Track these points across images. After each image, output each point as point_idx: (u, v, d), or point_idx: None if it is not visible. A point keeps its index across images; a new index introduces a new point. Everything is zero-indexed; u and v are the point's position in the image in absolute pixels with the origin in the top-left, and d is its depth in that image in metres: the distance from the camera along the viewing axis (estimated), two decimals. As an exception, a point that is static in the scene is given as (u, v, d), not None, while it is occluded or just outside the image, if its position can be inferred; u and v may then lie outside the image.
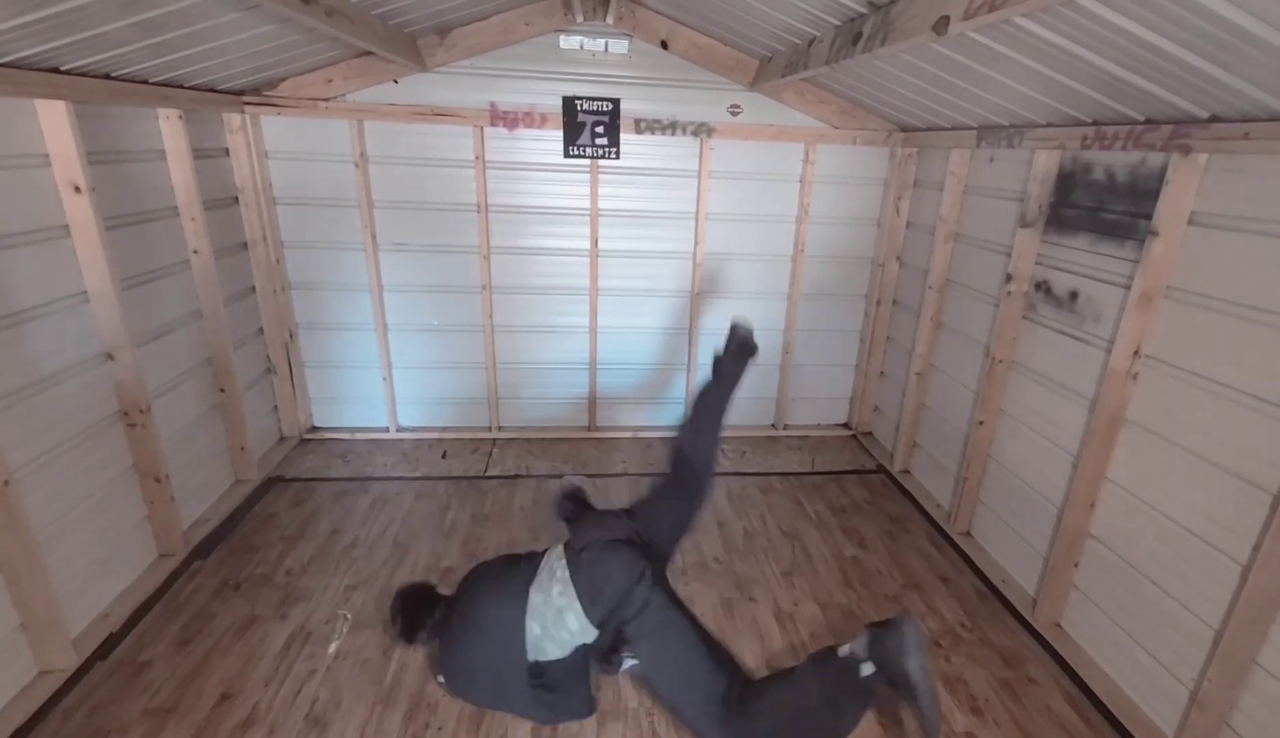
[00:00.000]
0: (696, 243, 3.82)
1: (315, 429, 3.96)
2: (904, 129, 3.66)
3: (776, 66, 3.11)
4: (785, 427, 4.30)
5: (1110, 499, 2.28)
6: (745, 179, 3.76)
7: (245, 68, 2.84)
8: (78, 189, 2.17)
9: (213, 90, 2.98)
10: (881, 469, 3.87)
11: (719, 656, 2.02)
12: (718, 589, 2.74)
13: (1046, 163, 2.56)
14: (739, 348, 2.46)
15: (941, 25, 1.63)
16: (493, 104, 3.44)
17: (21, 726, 1.95)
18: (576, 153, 3.57)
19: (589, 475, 3.65)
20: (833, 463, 3.94)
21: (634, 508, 2.38)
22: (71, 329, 2.24)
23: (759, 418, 4.30)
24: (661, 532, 2.30)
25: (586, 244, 3.77)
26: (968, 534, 3.11)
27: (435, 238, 3.67)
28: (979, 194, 3.11)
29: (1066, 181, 2.53)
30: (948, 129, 3.21)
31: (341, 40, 2.61)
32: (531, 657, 2.06)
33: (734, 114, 3.62)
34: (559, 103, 3.47)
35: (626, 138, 3.58)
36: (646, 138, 3.60)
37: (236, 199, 3.33)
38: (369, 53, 3.14)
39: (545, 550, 2.25)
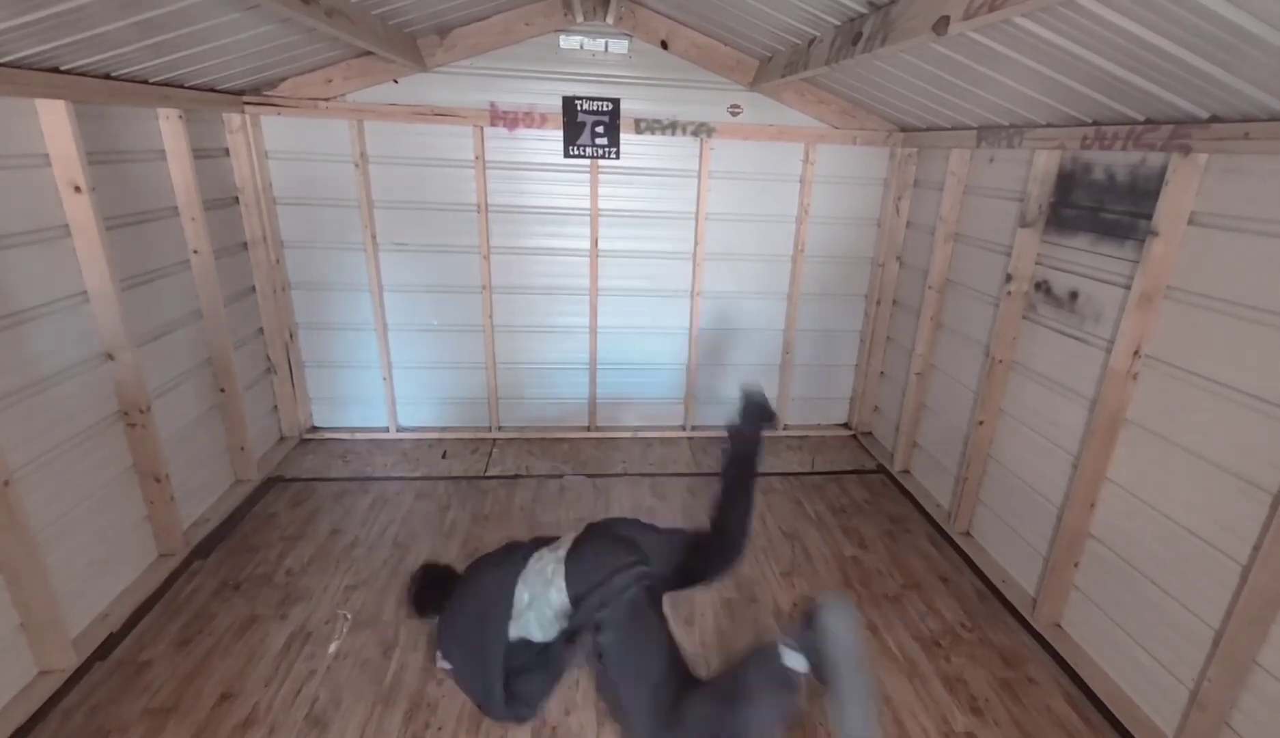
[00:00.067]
0: (696, 243, 3.82)
1: (315, 429, 3.96)
2: (904, 129, 3.66)
3: (776, 66, 3.11)
4: (785, 427, 4.30)
5: (1110, 499, 2.28)
6: (745, 179, 3.76)
7: (245, 68, 2.84)
8: (78, 189, 2.17)
9: (213, 90, 2.98)
10: (881, 469, 3.87)
11: (678, 668, 1.98)
12: (718, 589, 2.74)
13: (1046, 163, 2.56)
14: (754, 414, 2.34)
15: (941, 25, 1.63)
16: (493, 104, 3.44)
17: (21, 726, 1.95)
18: (576, 153, 3.57)
19: (589, 476, 3.65)
20: (833, 463, 3.94)
21: (652, 543, 2.27)
22: (71, 329, 2.24)
23: (759, 418, 4.29)
24: (667, 569, 2.22)
25: (586, 244, 3.77)
26: (968, 534, 3.11)
27: (435, 238, 3.67)
28: (979, 194, 3.11)
29: (1066, 182, 2.53)
30: (948, 129, 3.21)
31: (341, 40, 2.61)
32: (515, 633, 2.06)
33: (734, 114, 3.62)
34: (559, 103, 3.48)
35: (626, 138, 3.58)
36: (646, 138, 3.60)
37: (236, 199, 3.33)
38: (369, 53, 3.14)
39: (561, 537, 2.30)
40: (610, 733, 2.08)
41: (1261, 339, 1.77)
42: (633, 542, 2.17)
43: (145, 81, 2.49)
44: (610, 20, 3.31)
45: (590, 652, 2.06)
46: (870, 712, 1.77)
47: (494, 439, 4.03)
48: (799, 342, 4.12)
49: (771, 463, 3.89)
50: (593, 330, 3.95)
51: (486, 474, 3.63)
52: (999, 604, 2.72)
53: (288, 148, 3.41)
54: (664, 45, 3.44)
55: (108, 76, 2.30)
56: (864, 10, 2.13)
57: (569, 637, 2.06)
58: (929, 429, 3.54)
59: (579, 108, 3.49)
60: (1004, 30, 1.80)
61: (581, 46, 3.41)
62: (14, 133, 2.02)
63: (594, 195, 3.68)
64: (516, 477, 3.62)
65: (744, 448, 2.33)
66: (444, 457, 3.80)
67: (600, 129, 3.53)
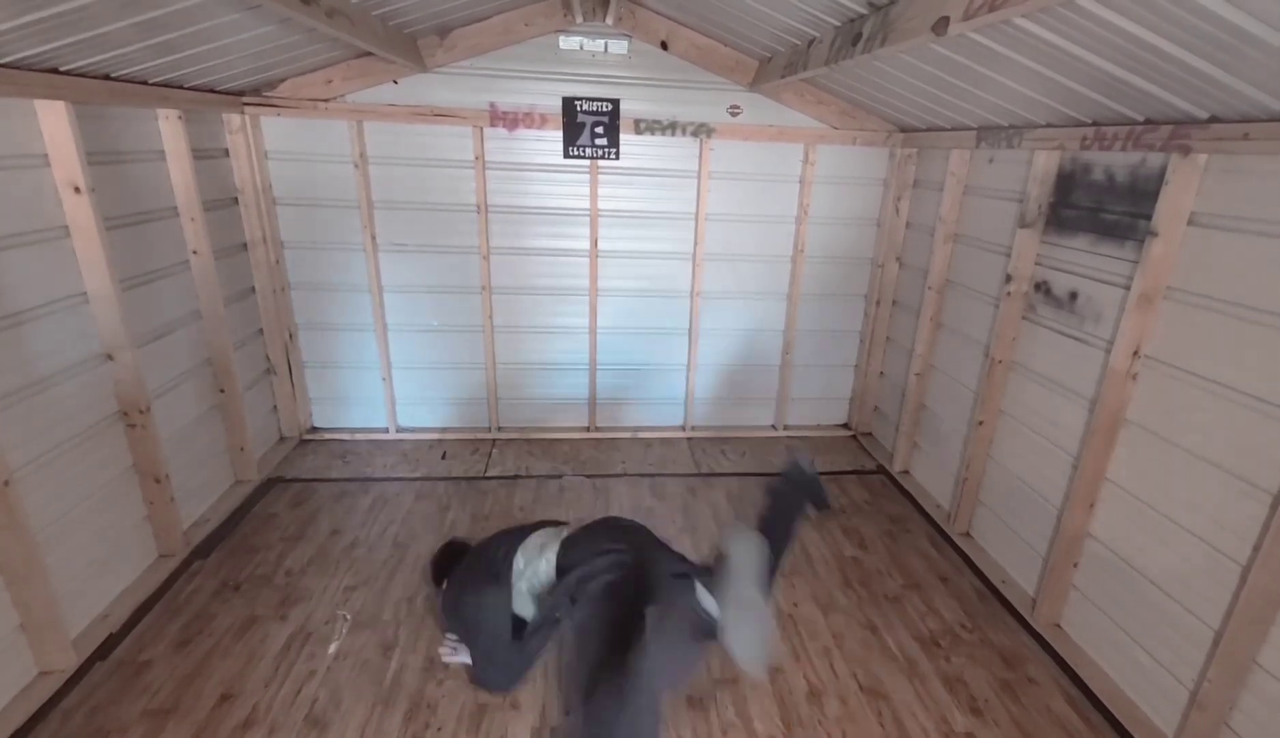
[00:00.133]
0: (696, 243, 3.82)
1: (315, 430, 3.95)
2: (904, 129, 3.66)
3: (776, 67, 3.11)
4: (785, 427, 4.30)
5: (1110, 499, 2.28)
6: (745, 179, 3.76)
7: (245, 68, 2.84)
8: (77, 189, 2.17)
9: (212, 91, 2.98)
10: (881, 470, 3.87)
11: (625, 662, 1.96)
12: (718, 590, 2.74)
13: (1046, 163, 2.56)
14: (803, 488, 2.26)
15: (941, 26, 1.63)
16: (493, 104, 3.44)
17: (21, 726, 1.94)
18: (576, 153, 3.57)
19: (589, 476, 3.65)
20: (833, 463, 3.94)
21: (649, 547, 2.23)
22: (71, 329, 2.24)
23: (759, 418, 4.30)
24: (655, 577, 2.21)
25: (586, 244, 3.77)
26: (967, 535, 3.11)
27: (435, 238, 3.67)
28: (979, 194, 3.11)
29: (1066, 182, 2.53)
30: (947, 129, 3.21)
31: (341, 41, 2.61)
32: (524, 607, 2.13)
33: (734, 114, 3.62)
34: (559, 103, 3.48)
35: (626, 138, 3.58)
36: (646, 138, 3.60)
37: (236, 199, 3.33)
38: (369, 53, 3.14)
39: (569, 523, 2.38)
40: (610, 733, 2.08)
41: (1261, 339, 1.77)
42: (630, 535, 2.19)
43: (145, 82, 2.49)
44: (610, 21, 3.31)
45: (562, 619, 2.08)
46: (763, 638, 1.80)
47: (494, 440, 4.03)
48: (799, 342, 4.12)
49: (771, 463, 3.89)
50: (592, 331, 3.95)
51: (486, 475, 3.63)
52: (999, 604, 2.72)
53: (287, 148, 3.41)
54: (664, 46, 3.44)
55: (107, 77, 2.30)
56: (864, 11, 2.13)
57: (548, 611, 2.10)
58: (929, 429, 3.54)
59: (579, 108, 3.49)
60: (1004, 31, 1.81)
61: (581, 47, 3.41)
62: (14, 133, 2.02)
63: (594, 196, 3.68)
64: (516, 477, 3.62)
65: (785, 508, 2.28)
66: (444, 457, 3.80)
67: (600, 129, 3.54)
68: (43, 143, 2.10)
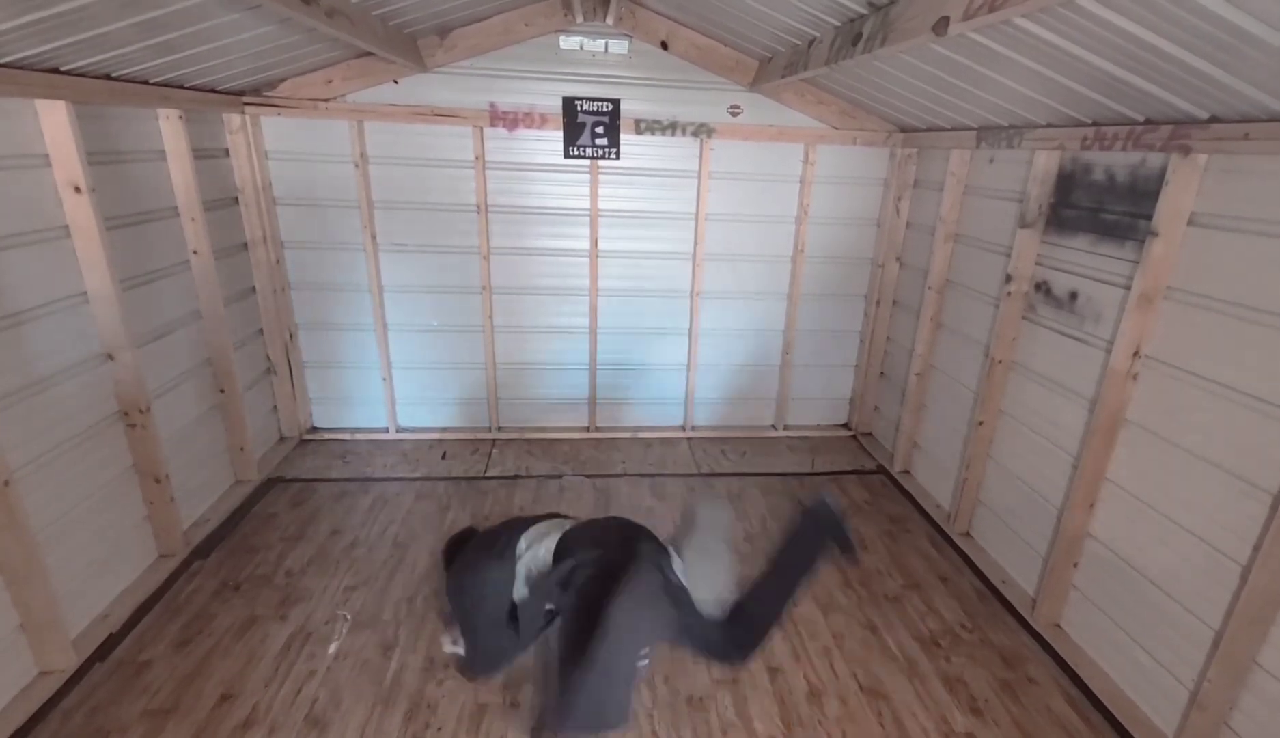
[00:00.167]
0: (696, 243, 3.82)
1: (315, 430, 3.95)
2: (904, 129, 3.66)
3: (776, 67, 3.11)
4: (785, 427, 4.30)
5: (1110, 499, 2.28)
6: (745, 179, 3.76)
7: (245, 68, 2.85)
8: (78, 189, 2.17)
9: (213, 91, 2.98)
10: (881, 470, 3.87)
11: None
12: (718, 590, 2.74)
13: (1046, 163, 2.56)
14: (825, 525, 2.21)
15: (941, 26, 1.63)
16: (493, 104, 3.44)
17: (21, 726, 1.94)
18: (576, 153, 3.57)
19: (589, 476, 3.65)
20: (833, 463, 3.94)
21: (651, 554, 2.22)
22: (71, 329, 2.24)
23: (759, 418, 4.30)
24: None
25: (586, 244, 3.77)
26: (967, 535, 3.11)
27: (435, 238, 3.67)
28: (979, 194, 3.11)
29: (1066, 182, 2.53)
30: (948, 129, 3.21)
31: (342, 41, 2.61)
32: (519, 592, 2.10)
33: (734, 114, 3.62)
34: (559, 103, 3.48)
35: (626, 138, 3.58)
36: (646, 138, 3.60)
37: (236, 199, 3.33)
38: (369, 53, 3.14)
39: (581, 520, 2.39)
40: (610, 734, 2.07)
41: (1261, 339, 1.77)
42: (628, 531, 2.19)
43: (145, 82, 2.49)
44: (610, 21, 3.31)
45: (553, 607, 2.09)
46: (720, 580, 1.89)
47: (494, 440, 4.03)
48: (799, 342, 4.12)
49: (771, 463, 3.89)
50: (593, 331, 3.95)
51: (486, 475, 3.63)
52: (999, 604, 2.72)
53: (288, 148, 3.41)
54: (664, 46, 3.44)
55: (108, 77, 2.30)
56: (864, 11, 2.13)
57: (540, 595, 2.11)
58: (929, 429, 3.54)
59: (579, 108, 3.49)
60: (1004, 31, 1.81)
61: (581, 47, 3.41)
62: (14, 133, 2.02)
63: (594, 196, 3.68)
64: (516, 477, 3.62)
65: (804, 543, 2.23)
66: (444, 457, 3.80)
67: (600, 129, 3.54)
68: (43, 143, 2.10)
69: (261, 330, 3.60)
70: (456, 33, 3.28)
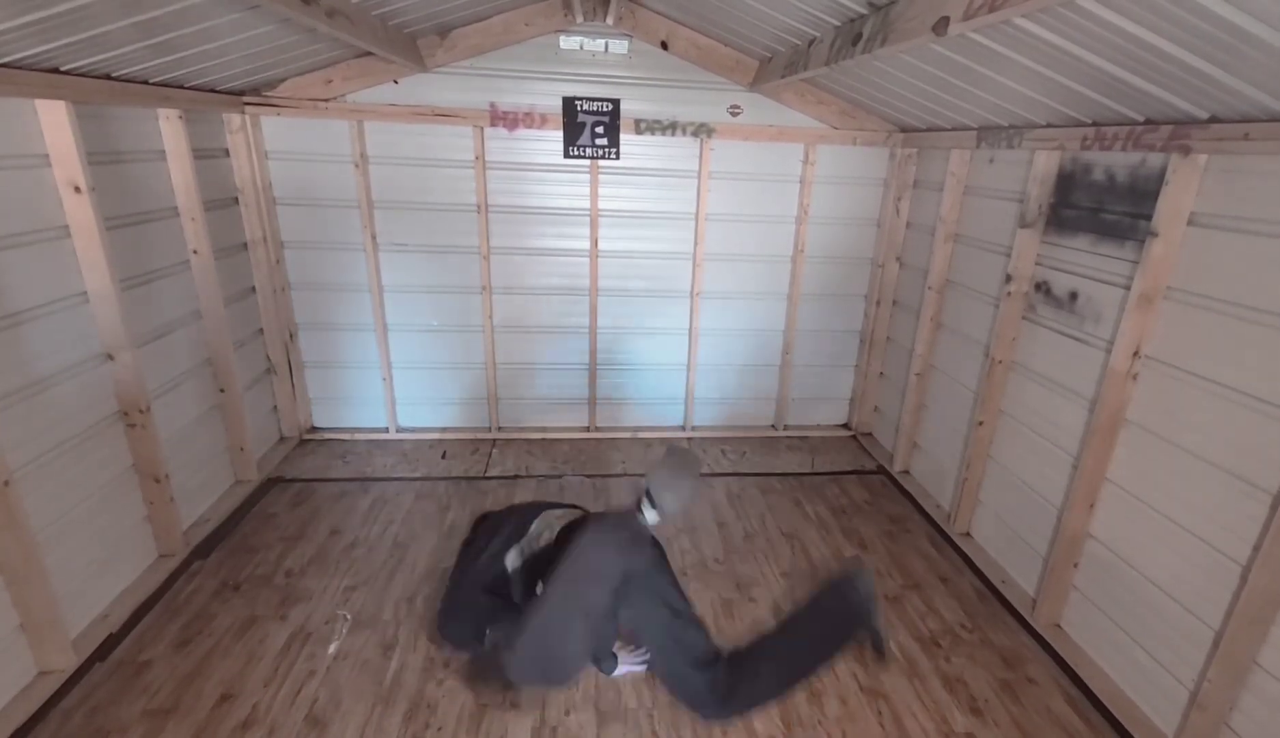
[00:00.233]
0: (696, 243, 3.82)
1: (315, 430, 3.95)
2: (904, 129, 3.66)
3: (776, 67, 3.11)
4: (785, 427, 4.30)
5: (1110, 499, 2.28)
6: (745, 179, 3.76)
7: (245, 68, 2.84)
8: (78, 189, 2.17)
9: (213, 91, 2.98)
10: (881, 470, 3.87)
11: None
12: (717, 590, 2.74)
13: (1046, 163, 2.56)
14: (853, 608, 2.08)
15: (941, 26, 1.63)
16: (493, 104, 3.44)
17: (21, 726, 1.94)
18: (576, 153, 3.57)
19: (588, 476, 3.65)
20: (833, 463, 3.94)
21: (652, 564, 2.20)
22: (71, 329, 2.24)
23: (759, 418, 4.30)
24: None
25: (586, 244, 3.77)
26: (967, 535, 3.11)
27: (435, 238, 3.67)
28: (979, 194, 3.11)
29: (1066, 182, 2.53)
30: (948, 129, 3.21)
31: (342, 41, 2.61)
32: (512, 563, 2.21)
33: (734, 114, 3.62)
34: (559, 103, 3.48)
35: (626, 138, 3.58)
36: (646, 138, 3.60)
37: (236, 199, 3.33)
38: (369, 53, 3.14)
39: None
40: (610, 733, 2.08)
41: (1261, 339, 1.77)
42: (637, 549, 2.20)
43: (145, 82, 2.49)
44: (610, 21, 3.31)
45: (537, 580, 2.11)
46: (683, 505, 2.08)
47: (494, 439, 4.03)
48: (799, 342, 4.12)
49: (771, 463, 3.89)
50: (593, 330, 3.95)
51: (486, 475, 3.63)
52: (999, 605, 2.72)
53: (288, 148, 3.41)
54: (664, 46, 3.44)
55: (108, 77, 2.30)
56: (864, 11, 2.13)
57: (528, 568, 2.18)
58: (929, 429, 3.54)
59: (579, 108, 3.49)
60: (1004, 31, 1.81)
61: (581, 47, 3.41)
62: (14, 133, 2.02)
63: (594, 196, 3.68)
64: (516, 477, 3.62)
65: (827, 623, 2.12)
66: (444, 457, 3.80)
67: (600, 129, 3.54)
68: (43, 143, 2.10)
69: (261, 330, 3.60)
70: (456, 33, 3.28)
